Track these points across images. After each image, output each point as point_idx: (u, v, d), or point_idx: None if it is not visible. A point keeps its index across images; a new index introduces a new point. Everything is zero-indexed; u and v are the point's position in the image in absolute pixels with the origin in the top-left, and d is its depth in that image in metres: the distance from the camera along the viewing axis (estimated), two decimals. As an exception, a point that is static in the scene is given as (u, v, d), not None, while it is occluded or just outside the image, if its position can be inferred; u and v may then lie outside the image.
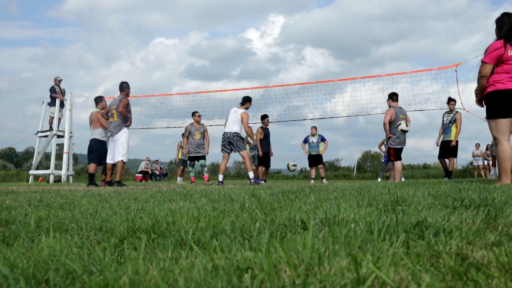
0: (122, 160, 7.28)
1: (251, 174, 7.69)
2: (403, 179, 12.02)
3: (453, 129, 8.86)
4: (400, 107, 7.82)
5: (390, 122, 7.56)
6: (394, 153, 7.61)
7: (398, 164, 7.66)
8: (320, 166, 11.57)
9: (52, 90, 13.10)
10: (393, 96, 7.78)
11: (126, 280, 0.70)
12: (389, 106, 7.76)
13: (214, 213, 1.72)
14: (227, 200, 2.58)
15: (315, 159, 11.55)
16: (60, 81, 13.32)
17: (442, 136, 9.05)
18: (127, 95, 7.59)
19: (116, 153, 7.34)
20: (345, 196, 2.62)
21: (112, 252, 0.99)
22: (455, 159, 9.15)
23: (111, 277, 0.70)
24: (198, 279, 0.70)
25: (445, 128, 8.98)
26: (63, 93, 13.21)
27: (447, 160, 9.05)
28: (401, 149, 7.71)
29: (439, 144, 9.07)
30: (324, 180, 11.37)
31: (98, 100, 8.09)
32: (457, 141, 8.92)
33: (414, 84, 14.12)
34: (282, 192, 3.38)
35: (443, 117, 9.12)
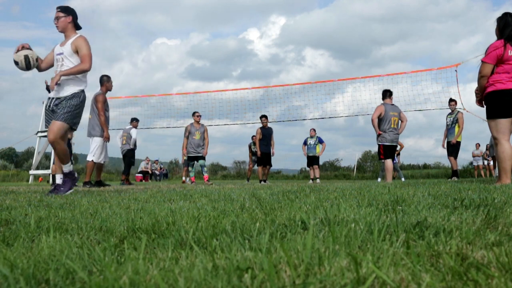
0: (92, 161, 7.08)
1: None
2: (403, 179, 12.04)
3: (456, 129, 8.92)
4: (393, 104, 7.61)
5: (380, 119, 7.41)
6: (384, 151, 7.42)
7: (388, 162, 7.44)
8: (315, 167, 11.91)
9: (48, 89, 13.11)
10: (385, 93, 7.63)
11: (126, 280, 0.70)
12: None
13: (214, 213, 1.72)
14: (227, 200, 2.58)
15: (311, 160, 11.95)
16: None
17: (447, 137, 9.09)
18: (108, 90, 7.24)
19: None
20: (345, 196, 2.62)
21: (112, 252, 0.99)
22: (455, 159, 9.19)
23: (111, 277, 0.70)
24: (198, 279, 0.70)
25: (449, 129, 9.02)
26: None
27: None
28: (392, 147, 7.49)
29: (445, 145, 9.09)
30: (318, 180, 11.80)
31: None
32: (458, 141, 8.94)
33: (414, 84, 14.15)
34: (282, 192, 3.38)
35: (446, 119, 9.17)
